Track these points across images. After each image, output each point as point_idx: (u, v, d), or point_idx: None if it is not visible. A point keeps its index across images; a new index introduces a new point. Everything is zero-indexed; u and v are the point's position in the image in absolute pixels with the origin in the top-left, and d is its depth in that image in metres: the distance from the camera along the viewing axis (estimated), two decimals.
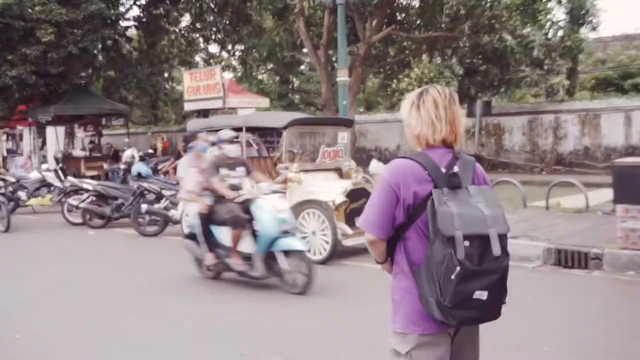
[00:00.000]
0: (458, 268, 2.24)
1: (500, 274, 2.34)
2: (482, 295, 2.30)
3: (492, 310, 2.42)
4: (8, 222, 11.75)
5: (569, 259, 7.56)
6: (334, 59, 20.78)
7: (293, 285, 6.65)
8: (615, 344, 4.92)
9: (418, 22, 20.91)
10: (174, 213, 10.94)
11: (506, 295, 2.41)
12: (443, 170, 2.46)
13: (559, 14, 21.46)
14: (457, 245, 2.25)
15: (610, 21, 73.25)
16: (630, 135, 19.55)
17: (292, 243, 6.73)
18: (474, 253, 2.27)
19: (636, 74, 26.22)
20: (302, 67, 31.22)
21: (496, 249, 2.29)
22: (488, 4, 19.00)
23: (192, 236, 7.43)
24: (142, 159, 13.35)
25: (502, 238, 2.32)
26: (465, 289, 2.28)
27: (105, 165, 19.91)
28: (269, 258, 6.79)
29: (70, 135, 23.05)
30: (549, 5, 20.44)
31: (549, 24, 21.53)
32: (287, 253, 6.70)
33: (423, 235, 2.45)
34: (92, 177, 17.06)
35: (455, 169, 2.48)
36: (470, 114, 22.43)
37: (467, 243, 2.26)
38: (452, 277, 2.25)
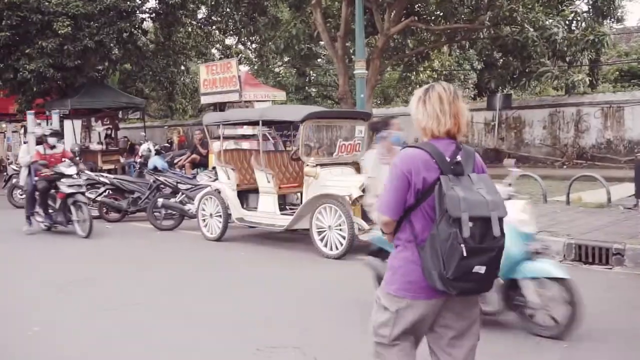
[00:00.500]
0: (462, 245, 2.61)
1: (496, 251, 2.71)
2: (480, 269, 2.68)
3: (487, 282, 2.79)
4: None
5: (590, 255, 7.51)
6: (351, 51, 20.69)
7: (544, 327, 5.05)
8: (637, 340, 4.88)
9: (437, 13, 20.74)
10: (190, 207, 11.02)
11: (499, 271, 2.79)
12: (447, 159, 2.82)
13: (583, 5, 21.20)
14: (462, 226, 2.61)
15: (635, 12, 72.25)
16: None
17: (546, 268, 5.04)
18: (476, 233, 2.64)
19: None
20: (319, 59, 31.16)
21: (496, 230, 2.67)
22: None
23: (376, 252, 5.94)
24: (158, 152, 13.43)
25: (501, 221, 2.70)
26: (467, 263, 2.64)
27: (122, 159, 20.06)
28: (510, 287, 5.14)
29: (87, 128, 23.26)
30: None
31: (572, 15, 21.30)
32: (537, 281, 5.06)
33: (427, 216, 2.81)
34: (109, 171, 17.22)
35: (458, 158, 2.84)
36: (490, 106, 22.28)
37: (471, 224, 2.62)
38: (456, 253, 2.62)
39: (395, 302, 2.87)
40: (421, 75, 28.08)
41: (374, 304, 3.04)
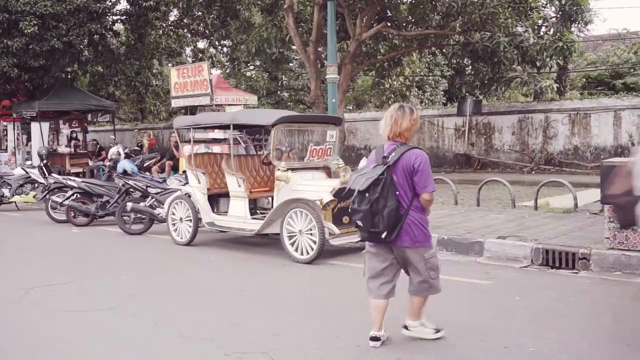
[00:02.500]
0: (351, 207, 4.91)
1: (364, 212, 4.71)
2: (359, 222, 4.76)
3: (365, 232, 4.80)
4: None
5: (557, 259, 7.63)
6: (323, 55, 20.79)
7: None
8: (602, 344, 4.97)
9: (409, 19, 20.93)
10: (159, 211, 10.93)
11: (376, 227, 4.67)
12: (384, 154, 4.83)
13: (551, 12, 21.54)
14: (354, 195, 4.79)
15: (602, 20, 73.68)
16: (620, 135, 19.71)
17: None
18: (356, 200, 4.77)
19: (626, 73, 26.40)
20: (291, 64, 31.20)
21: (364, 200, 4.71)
22: (480, 1, 19.06)
23: None
24: (128, 156, 13.31)
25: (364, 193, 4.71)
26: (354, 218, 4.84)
27: (91, 162, 19.84)
28: None
29: (55, 131, 22.94)
30: (541, 1, 20.51)
31: (540, 21, 21.62)
32: None
33: None
34: (77, 174, 17.01)
35: (387, 153, 4.81)
36: (461, 112, 22.55)
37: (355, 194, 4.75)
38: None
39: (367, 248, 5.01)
40: (394, 82, 28.28)
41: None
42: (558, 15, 20.28)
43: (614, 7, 58.82)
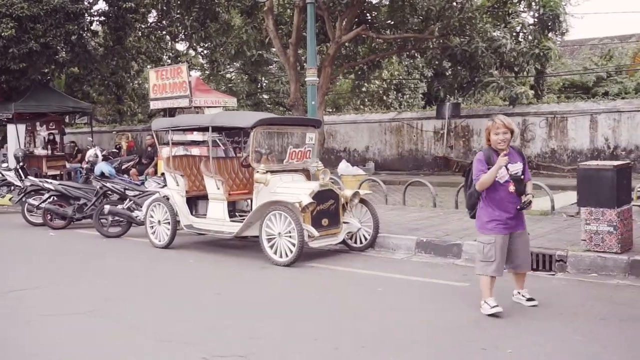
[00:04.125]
0: None
1: None
2: None
3: None
4: None
5: (534, 261, 7.67)
6: (303, 58, 20.77)
7: None
8: (579, 345, 5.01)
9: (388, 22, 21.02)
10: (138, 214, 10.85)
11: None
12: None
13: (529, 19, 21.80)
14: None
15: (579, 27, 74.73)
16: (596, 138, 19.94)
17: None
18: None
19: (603, 78, 26.69)
20: (271, 66, 31.16)
21: None
22: (458, 6, 19.21)
23: None
24: (105, 158, 13.19)
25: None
26: None
27: (68, 165, 19.63)
28: None
29: (31, 133, 22.67)
30: (520, 7, 20.72)
31: (519, 27, 21.85)
32: None
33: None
34: (54, 177, 16.82)
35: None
36: (439, 115, 22.68)
37: None
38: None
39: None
40: (372, 85, 28.41)
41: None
42: (536, 22, 20.52)
43: (588, 13, 59.55)
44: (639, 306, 6.03)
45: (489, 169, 5.72)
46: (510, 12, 20.58)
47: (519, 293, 6.21)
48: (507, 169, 5.75)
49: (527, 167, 5.98)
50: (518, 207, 5.82)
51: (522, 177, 5.83)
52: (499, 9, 20.45)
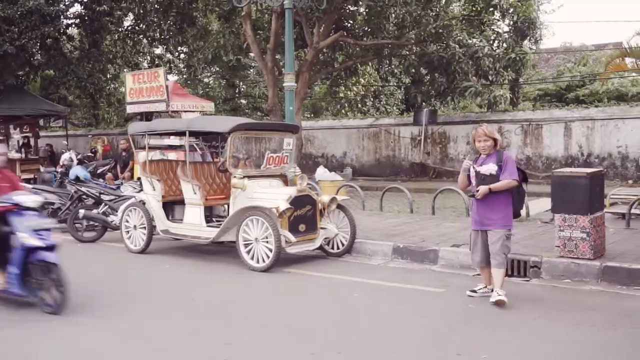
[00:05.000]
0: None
1: None
2: None
3: None
4: None
5: (509, 267, 7.73)
6: (281, 63, 20.80)
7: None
8: (552, 350, 5.07)
9: (365, 28, 21.15)
10: (113, 218, 10.75)
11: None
12: None
13: (504, 26, 22.08)
14: None
15: (554, 34, 75.73)
16: (570, 145, 20.23)
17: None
18: None
19: (577, 86, 27.07)
20: (249, 71, 31.14)
21: None
22: (434, 14, 19.39)
23: None
24: (80, 162, 13.05)
25: None
26: None
27: (42, 168, 19.38)
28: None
29: (5, 136, 22.35)
30: (495, 15, 20.98)
31: (494, 35, 22.12)
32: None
33: None
34: (28, 180, 16.59)
35: None
36: (417, 121, 22.82)
37: None
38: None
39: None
40: (349, 91, 28.50)
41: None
42: (511, 30, 20.79)
43: (563, 22, 60.44)
44: (610, 312, 6.12)
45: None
46: (484, 21, 20.83)
47: (485, 287, 6.75)
48: (476, 170, 6.57)
49: (506, 169, 6.46)
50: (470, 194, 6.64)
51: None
52: (475, 17, 20.68)
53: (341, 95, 28.41)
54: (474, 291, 6.75)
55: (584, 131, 19.99)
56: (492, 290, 6.45)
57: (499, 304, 6.27)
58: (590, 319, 5.90)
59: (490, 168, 6.51)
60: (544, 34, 21.47)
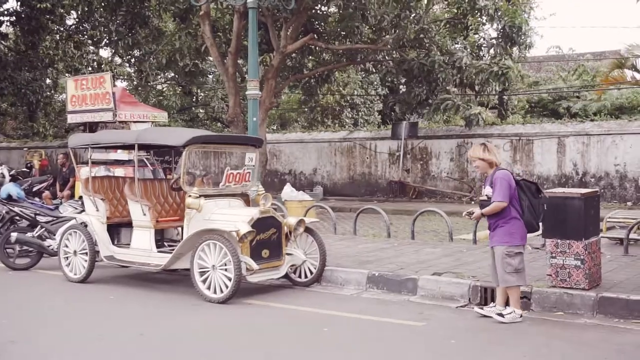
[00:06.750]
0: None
1: None
2: None
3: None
4: None
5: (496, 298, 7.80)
6: (244, 69, 20.82)
7: None
8: None
9: (338, 31, 21.28)
10: (50, 243, 10.61)
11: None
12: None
13: (492, 32, 22.43)
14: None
15: (545, 41, 77.32)
16: (564, 163, 20.49)
17: None
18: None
19: (569, 96, 27.58)
20: (208, 77, 31.10)
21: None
22: (414, 16, 19.60)
23: None
24: (14, 178, 12.90)
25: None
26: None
27: None
28: None
29: None
30: (482, 19, 21.29)
31: (480, 40, 22.45)
32: None
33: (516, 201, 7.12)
34: None
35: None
36: (395, 135, 22.97)
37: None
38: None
39: (518, 248, 7.16)
40: (323, 101, 28.60)
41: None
42: (499, 36, 21.12)
43: (555, 27, 61.71)
44: (605, 347, 6.19)
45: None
46: (469, 25, 21.11)
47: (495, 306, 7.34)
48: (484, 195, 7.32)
49: (494, 191, 7.08)
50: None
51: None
52: (459, 20, 20.97)
53: (314, 105, 28.43)
54: (482, 307, 7.46)
55: (579, 147, 20.30)
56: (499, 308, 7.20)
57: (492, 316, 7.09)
58: (583, 355, 5.97)
59: (486, 191, 7.22)
60: (534, 41, 21.87)
